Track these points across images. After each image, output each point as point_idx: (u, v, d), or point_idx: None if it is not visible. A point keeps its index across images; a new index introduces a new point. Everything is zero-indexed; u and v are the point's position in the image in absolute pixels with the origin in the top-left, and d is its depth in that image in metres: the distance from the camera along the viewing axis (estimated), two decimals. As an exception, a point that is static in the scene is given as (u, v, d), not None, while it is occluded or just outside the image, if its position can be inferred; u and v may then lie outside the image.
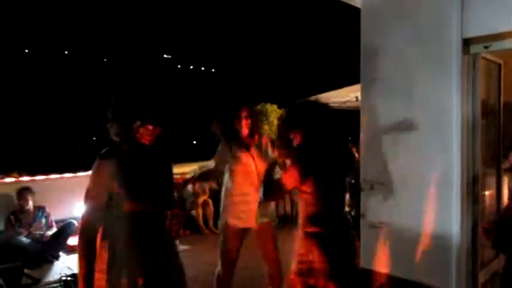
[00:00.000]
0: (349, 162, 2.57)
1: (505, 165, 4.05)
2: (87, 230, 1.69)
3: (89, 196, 1.69)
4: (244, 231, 3.19)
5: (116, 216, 1.69)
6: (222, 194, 3.29)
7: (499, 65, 3.72)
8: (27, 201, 4.58)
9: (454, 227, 3.11)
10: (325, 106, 2.53)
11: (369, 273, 3.63)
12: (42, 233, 4.60)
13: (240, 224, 3.13)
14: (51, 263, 4.48)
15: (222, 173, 3.32)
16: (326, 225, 2.27)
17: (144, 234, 1.68)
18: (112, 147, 1.76)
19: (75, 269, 4.27)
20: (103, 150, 1.73)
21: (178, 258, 1.87)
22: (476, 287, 3.23)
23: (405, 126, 3.40)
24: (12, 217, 4.52)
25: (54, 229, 4.72)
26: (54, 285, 3.96)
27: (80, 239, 1.69)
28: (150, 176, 1.73)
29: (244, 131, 3.20)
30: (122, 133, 1.73)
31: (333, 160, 2.35)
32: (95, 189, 1.69)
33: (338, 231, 2.36)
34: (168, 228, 1.80)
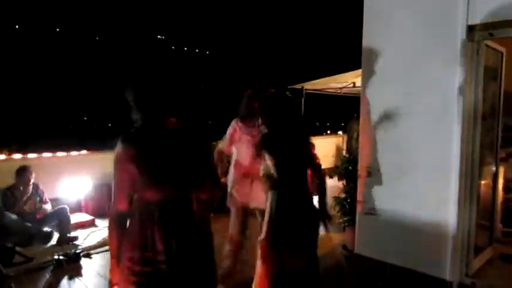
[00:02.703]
0: (308, 155, 2.68)
1: (502, 155, 4.07)
2: (117, 220, 1.64)
3: (116, 185, 1.63)
4: (247, 209, 3.22)
5: (140, 205, 1.63)
6: (231, 170, 3.32)
7: (501, 53, 3.70)
8: (28, 181, 4.55)
9: (451, 214, 3.12)
10: (290, 99, 2.79)
11: (363, 260, 3.66)
12: (35, 210, 4.57)
13: (243, 200, 3.16)
14: (43, 242, 4.44)
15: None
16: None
17: (168, 221, 1.61)
18: (133, 130, 1.66)
19: (68, 249, 4.28)
20: (124, 134, 1.63)
21: (209, 239, 1.81)
22: (470, 274, 3.26)
23: (405, 113, 3.38)
24: (8, 193, 4.46)
25: (49, 205, 4.71)
26: (48, 264, 3.93)
27: (111, 228, 1.65)
28: (173, 160, 1.64)
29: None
30: (145, 120, 1.64)
31: (291, 146, 2.55)
32: (121, 177, 1.61)
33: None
34: (198, 210, 1.70)
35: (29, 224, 4.28)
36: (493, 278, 3.28)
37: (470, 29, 3.04)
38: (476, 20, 3.01)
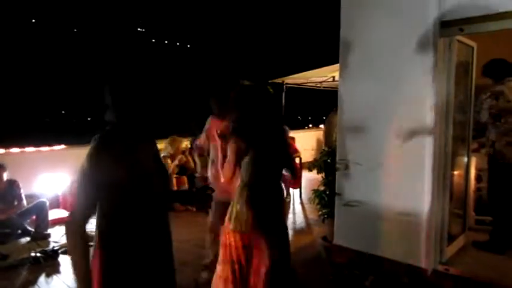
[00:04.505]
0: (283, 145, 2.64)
1: (474, 146, 4.21)
2: (76, 231, 1.49)
3: (80, 191, 1.49)
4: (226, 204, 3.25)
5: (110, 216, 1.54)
6: (209, 166, 3.35)
7: (472, 48, 3.81)
8: (1, 178, 4.45)
9: (425, 204, 3.22)
10: (264, 91, 2.63)
11: (342, 250, 3.75)
12: (12, 207, 4.48)
13: (220, 196, 3.17)
14: (20, 239, 4.37)
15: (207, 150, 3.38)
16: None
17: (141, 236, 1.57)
18: (109, 132, 1.58)
19: (44, 245, 4.22)
20: (99, 136, 1.52)
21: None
22: (444, 261, 3.38)
23: (381, 106, 3.45)
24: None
25: (24, 202, 4.62)
26: (24, 261, 3.87)
27: (69, 241, 1.51)
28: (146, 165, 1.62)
29: None
30: (119, 120, 1.58)
31: (264, 139, 2.46)
32: (87, 184, 1.49)
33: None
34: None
35: (7, 220, 4.21)
36: (466, 264, 3.40)
37: (442, 24, 3.12)
38: (447, 16, 3.10)
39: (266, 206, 2.43)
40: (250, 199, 2.37)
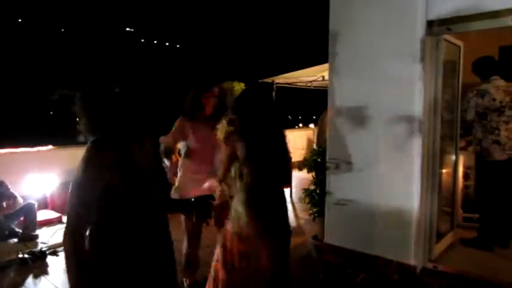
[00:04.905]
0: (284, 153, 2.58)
1: (461, 144, 4.26)
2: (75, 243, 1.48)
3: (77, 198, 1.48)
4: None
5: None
6: (179, 169, 3.31)
7: (459, 48, 3.85)
8: None
9: (414, 203, 3.25)
10: (265, 95, 2.63)
11: (332, 248, 3.76)
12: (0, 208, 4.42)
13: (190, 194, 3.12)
14: (8, 240, 4.31)
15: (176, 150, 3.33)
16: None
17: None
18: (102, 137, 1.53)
19: (32, 247, 4.16)
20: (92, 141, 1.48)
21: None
22: (433, 258, 3.41)
23: (370, 106, 3.48)
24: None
25: (20, 199, 4.57)
26: (12, 262, 3.81)
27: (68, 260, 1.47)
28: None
29: (210, 109, 3.19)
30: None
31: (265, 145, 2.40)
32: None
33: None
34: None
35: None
36: (454, 261, 3.44)
37: (430, 24, 3.16)
38: (434, 15, 3.13)
39: (269, 210, 2.38)
40: (252, 203, 2.31)
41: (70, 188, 1.47)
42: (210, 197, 1.91)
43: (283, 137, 2.54)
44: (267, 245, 2.33)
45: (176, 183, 3.27)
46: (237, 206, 2.33)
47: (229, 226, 2.36)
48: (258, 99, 2.49)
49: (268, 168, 2.38)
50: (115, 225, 1.48)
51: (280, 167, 2.48)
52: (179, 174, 3.30)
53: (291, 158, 2.59)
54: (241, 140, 2.33)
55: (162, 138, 3.11)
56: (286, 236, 2.50)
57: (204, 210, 1.91)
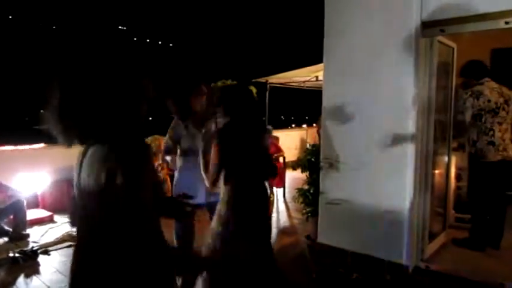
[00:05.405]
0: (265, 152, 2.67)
1: (453, 145, 4.29)
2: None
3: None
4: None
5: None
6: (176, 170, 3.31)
7: (453, 49, 3.89)
8: None
9: (407, 203, 3.27)
10: (247, 91, 2.67)
11: (325, 248, 3.77)
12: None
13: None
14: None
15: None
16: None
17: None
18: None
19: (23, 246, 4.12)
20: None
21: None
22: (425, 258, 3.43)
23: (364, 106, 3.49)
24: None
25: (15, 191, 4.53)
26: (2, 262, 3.77)
27: None
28: None
29: (200, 108, 3.18)
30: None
31: (246, 140, 2.48)
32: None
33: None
34: None
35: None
36: (446, 261, 3.47)
37: (424, 25, 3.18)
38: (429, 16, 3.15)
39: (249, 206, 2.43)
40: (233, 200, 2.37)
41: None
42: (186, 195, 1.84)
43: (262, 133, 2.63)
44: (245, 245, 2.38)
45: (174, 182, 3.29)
46: (222, 205, 2.41)
47: (214, 226, 2.41)
48: (243, 97, 2.56)
49: (247, 166, 2.45)
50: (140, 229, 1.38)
51: (259, 163, 2.55)
52: (175, 173, 3.30)
53: (271, 153, 2.64)
54: (218, 141, 2.40)
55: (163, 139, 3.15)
56: (266, 234, 2.57)
57: (180, 211, 1.81)
